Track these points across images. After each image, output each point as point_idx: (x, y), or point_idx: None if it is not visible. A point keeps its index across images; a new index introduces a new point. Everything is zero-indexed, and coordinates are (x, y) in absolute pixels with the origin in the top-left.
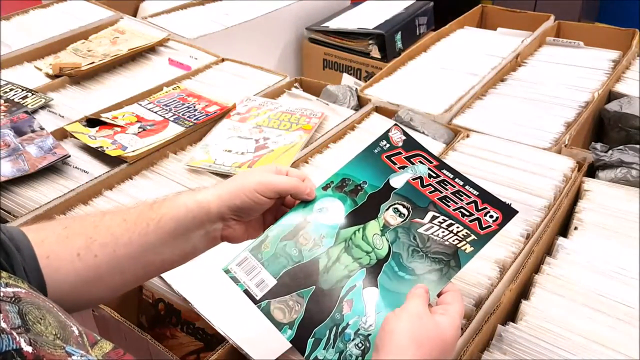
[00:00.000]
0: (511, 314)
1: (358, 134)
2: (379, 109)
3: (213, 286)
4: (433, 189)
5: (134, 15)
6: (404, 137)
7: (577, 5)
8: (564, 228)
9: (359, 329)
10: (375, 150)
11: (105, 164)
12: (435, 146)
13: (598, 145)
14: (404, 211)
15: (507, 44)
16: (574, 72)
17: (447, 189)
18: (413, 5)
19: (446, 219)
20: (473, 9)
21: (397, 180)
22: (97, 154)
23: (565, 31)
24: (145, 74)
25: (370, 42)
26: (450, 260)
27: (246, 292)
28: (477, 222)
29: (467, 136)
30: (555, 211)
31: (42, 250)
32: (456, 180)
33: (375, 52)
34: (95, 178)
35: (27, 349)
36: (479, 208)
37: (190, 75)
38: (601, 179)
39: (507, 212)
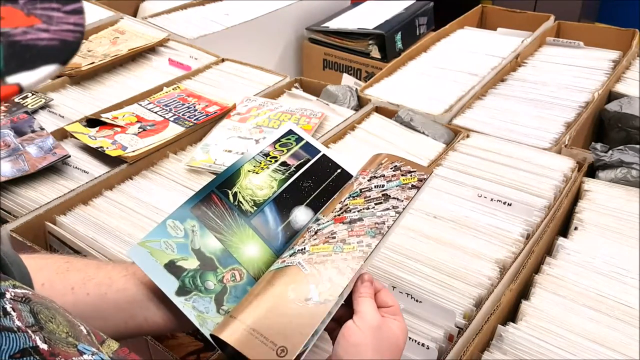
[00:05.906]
0: (511, 314)
1: (358, 134)
2: (379, 109)
3: None
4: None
5: (134, 15)
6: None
7: (577, 5)
8: (564, 228)
9: None
10: None
11: (105, 164)
12: (435, 146)
13: (598, 146)
14: None
15: (507, 44)
16: (574, 72)
17: None
18: (413, 6)
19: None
20: (473, 9)
21: None
22: (97, 154)
23: (565, 31)
24: (145, 74)
25: (370, 42)
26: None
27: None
28: None
29: (467, 136)
30: (556, 211)
31: (39, 277)
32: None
33: (375, 53)
34: (95, 178)
35: (43, 346)
36: None
37: (190, 76)
38: (601, 179)
39: None
